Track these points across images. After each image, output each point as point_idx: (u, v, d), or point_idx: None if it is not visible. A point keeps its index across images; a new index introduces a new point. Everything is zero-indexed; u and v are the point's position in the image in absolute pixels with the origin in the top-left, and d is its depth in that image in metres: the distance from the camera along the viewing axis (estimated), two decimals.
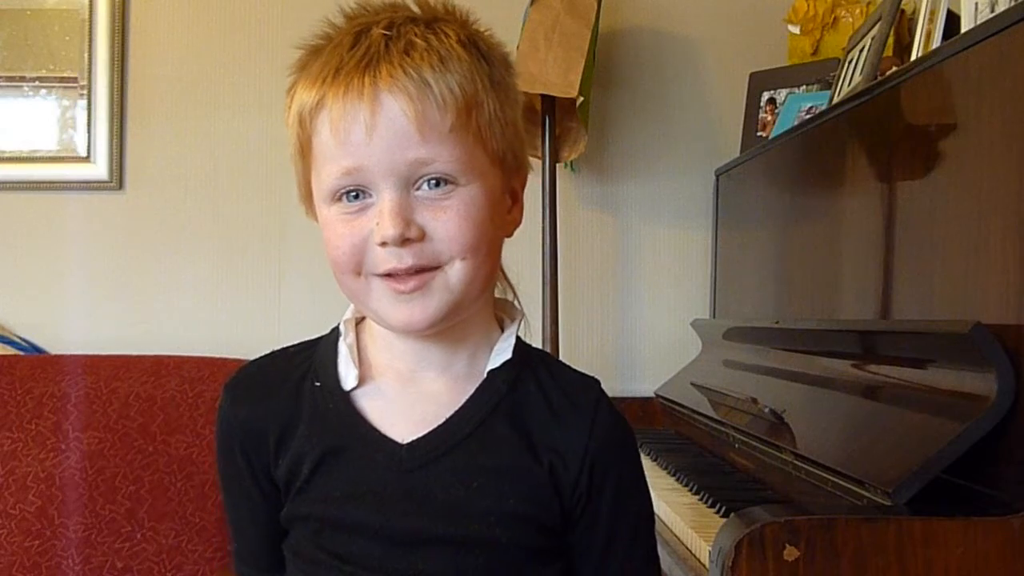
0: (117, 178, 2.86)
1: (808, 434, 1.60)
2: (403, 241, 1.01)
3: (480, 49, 1.10)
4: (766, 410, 1.71)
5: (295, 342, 1.19)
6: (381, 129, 1.01)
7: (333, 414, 1.10)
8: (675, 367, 2.61)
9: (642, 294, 2.87)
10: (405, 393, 1.11)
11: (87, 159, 2.85)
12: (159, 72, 2.88)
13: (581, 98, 2.44)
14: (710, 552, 1.23)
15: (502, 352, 1.13)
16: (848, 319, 1.76)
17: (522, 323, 1.17)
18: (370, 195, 1.03)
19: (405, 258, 1.02)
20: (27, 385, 2.63)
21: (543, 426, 1.11)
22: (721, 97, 2.87)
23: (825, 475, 1.43)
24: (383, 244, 1.02)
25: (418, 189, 1.03)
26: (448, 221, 1.03)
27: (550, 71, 2.42)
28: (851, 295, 1.78)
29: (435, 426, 1.09)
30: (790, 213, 2.14)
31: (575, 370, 1.17)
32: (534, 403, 1.12)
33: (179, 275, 2.86)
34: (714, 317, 2.68)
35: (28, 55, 2.86)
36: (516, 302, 1.19)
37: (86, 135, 2.84)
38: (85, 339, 2.81)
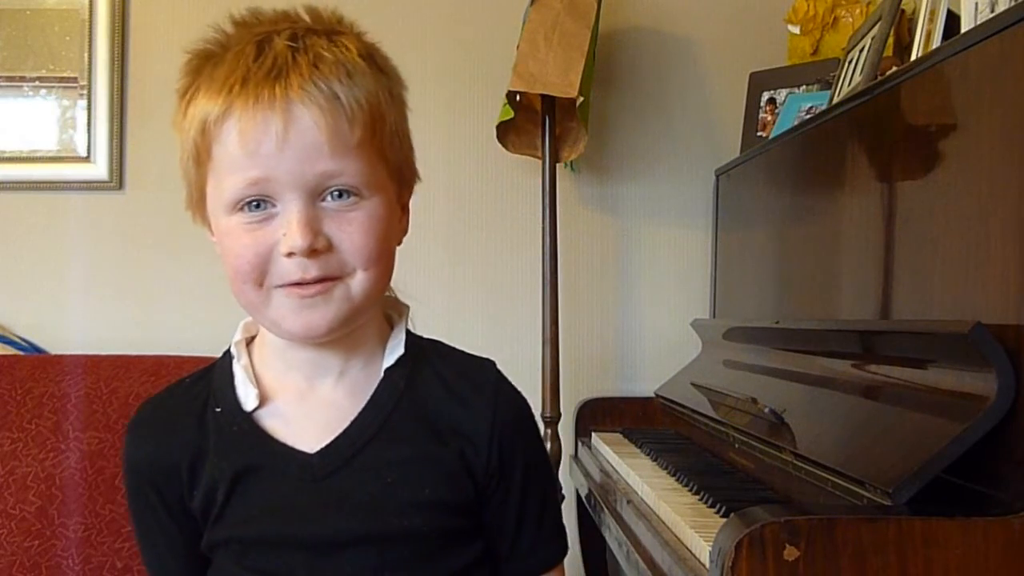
0: (117, 178, 2.86)
1: (808, 434, 1.60)
2: (311, 252, 1.02)
3: (378, 62, 1.11)
4: (766, 410, 1.71)
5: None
6: (292, 141, 1.01)
7: (239, 437, 1.11)
8: (675, 367, 2.61)
9: (642, 294, 2.87)
10: (306, 404, 1.13)
11: (87, 159, 2.85)
12: (159, 72, 2.87)
13: (581, 98, 2.44)
14: (710, 552, 1.23)
15: (395, 349, 1.15)
16: (848, 319, 1.76)
17: (409, 316, 1.21)
18: (274, 205, 1.04)
19: (311, 269, 1.03)
20: (27, 385, 2.62)
21: (447, 412, 1.14)
22: (721, 97, 2.87)
23: (825, 475, 1.43)
24: (290, 255, 1.03)
25: (323, 200, 1.04)
26: (354, 233, 1.04)
27: (550, 71, 2.41)
28: (851, 295, 1.78)
29: (341, 431, 1.11)
30: (790, 213, 2.14)
31: (468, 353, 1.20)
32: (434, 391, 1.14)
33: (179, 275, 2.86)
34: (714, 317, 2.68)
35: (28, 55, 2.86)
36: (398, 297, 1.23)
37: (86, 135, 2.84)
38: (85, 339, 2.81)
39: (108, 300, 2.86)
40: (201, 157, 1.10)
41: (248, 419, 1.11)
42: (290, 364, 1.14)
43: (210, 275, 2.86)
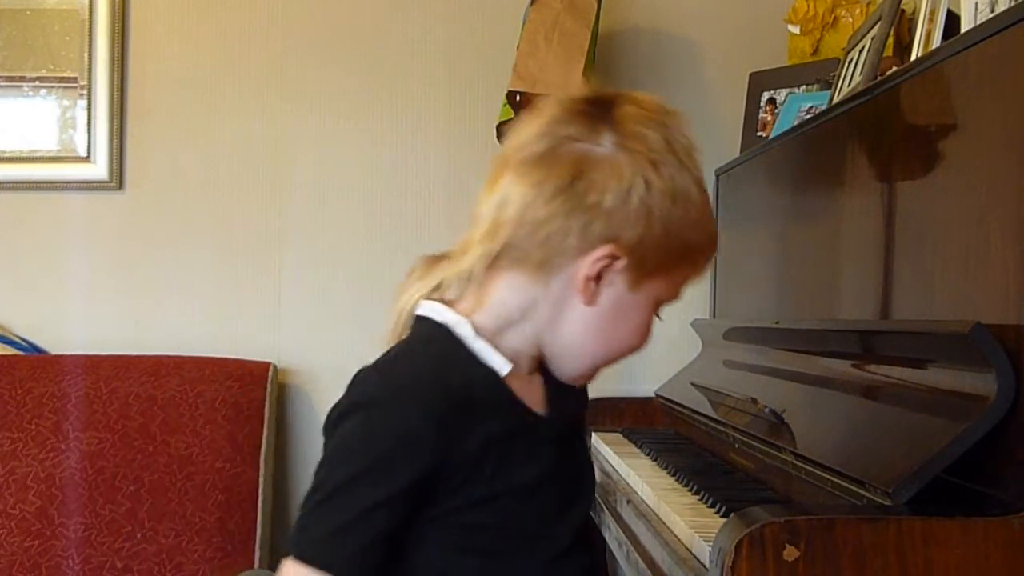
0: (117, 178, 2.86)
1: (808, 434, 1.60)
2: None
3: None
4: (766, 410, 1.71)
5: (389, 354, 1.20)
6: None
7: (499, 403, 1.16)
8: (675, 367, 2.60)
9: None
10: (526, 380, 1.21)
11: (87, 159, 2.85)
12: (159, 72, 2.88)
13: None
14: (710, 552, 1.23)
15: None
16: (848, 319, 1.76)
17: None
18: None
19: None
20: (27, 385, 2.63)
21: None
22: (721, 97, 2.87)
23: (825, 475, 1.43)
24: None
25: None
26: None
27: (550, 71, 2.42)
28: (851, 295, 1.78)
29: (549, 402, 1.23)
30: (790, 213, 2.14)
31: None
32: None
33: (179, 275, 2.87)
34: (714, 317, 2.68)
35: (28, 55, 2.86)
36: None
37: (86, 135, 2.85)
38: (85, 339, 2.81)
39: (108, 300, 2.86)
40: (695, 260, 1.23)
41: (504, 386, 1.17)
42: (526, 357, 1.21)
43: (209, 275, 2.86)
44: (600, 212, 1.11)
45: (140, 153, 2.88)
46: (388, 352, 1.19)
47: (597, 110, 1.15)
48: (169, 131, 2.88)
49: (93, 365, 2.68)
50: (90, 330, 2.84)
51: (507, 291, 1.17)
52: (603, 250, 1.12)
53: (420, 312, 1.20)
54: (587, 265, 1.13)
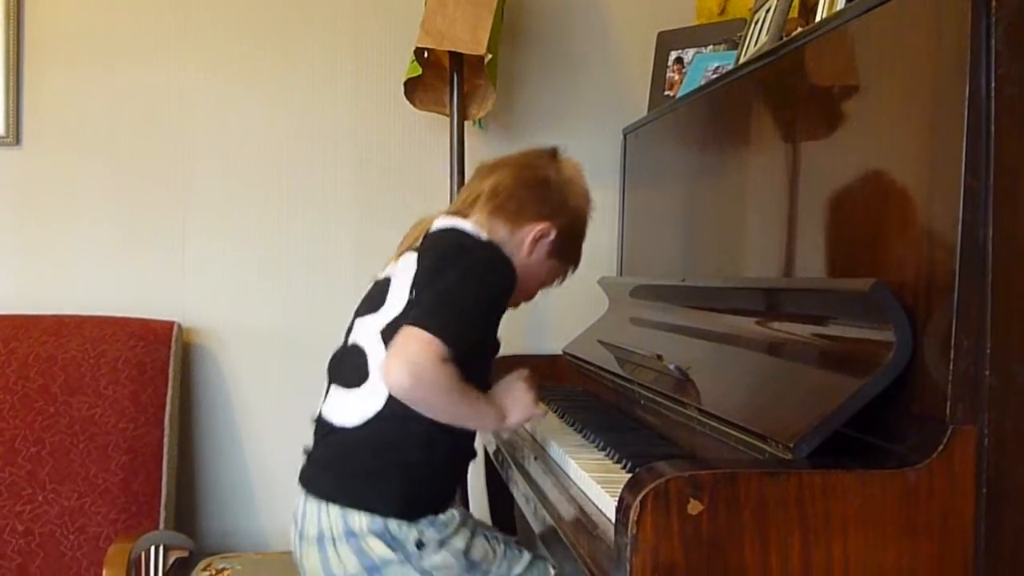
0: (14, 133, 2.79)
1: (713, 390, 1.62)
2: None
3: None
4: (671, 367, 1.72)
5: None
6: None
7: None
8: (582, 325, 2.62)
9: None
10: None
11: None
12: (57, 22, 2.80)
13: (489, 55, 2.43)
14: (616, 507, 1.25)
15: None
16: (753, 277, 1.79)
17: None
18: None
19: None
20: None
21: None
22: (629, 56, 2.88)
23: (729, 430, 1.46)
24: None
25: None
26: None
27: (458, 28, 2.40)
28: (756, 253, 1.80)
29: None
30: (697, 172, 2.16)
31: None
32: None
33: (80, 233, 2.81)
34: (621, 275, 2.70)
35: None
36: None
37: None
38: None
39: (6, 259, 2.80)
40: (569, 266, 1.90)
41: None
42: None
43: (112, 232, 2.80)
44: (549, 201, 1.79)
45: (38, 108, 2.80)
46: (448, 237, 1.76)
47: (550, 157, 1.87)
48: (69, 85, 2.80)
49: None
50: None
51: (493, 226, 1.77)
52: (545, 223, 1.77)
53: (443, 224, 1.77)
54: (535, 230, 1.77)
